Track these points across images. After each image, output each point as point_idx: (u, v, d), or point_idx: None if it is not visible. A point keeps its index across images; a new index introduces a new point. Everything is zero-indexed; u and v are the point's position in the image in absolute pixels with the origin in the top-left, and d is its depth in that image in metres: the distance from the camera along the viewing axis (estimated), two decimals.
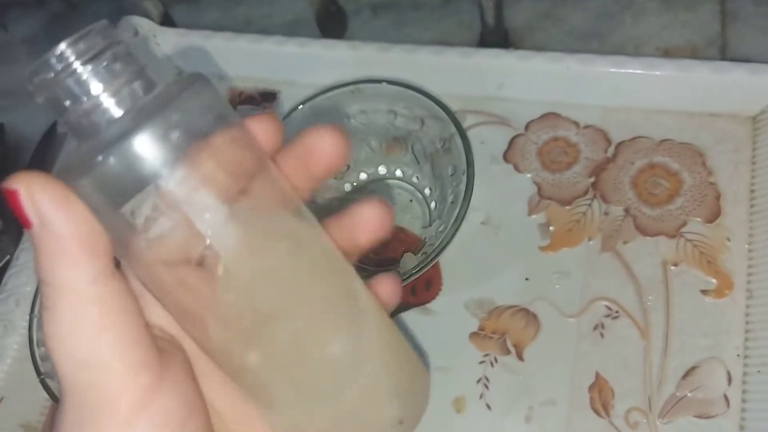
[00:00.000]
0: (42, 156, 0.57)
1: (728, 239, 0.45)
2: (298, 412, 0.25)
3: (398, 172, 0.50)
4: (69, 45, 0.21)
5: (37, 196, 0.21)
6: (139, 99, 0.22)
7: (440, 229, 0.43)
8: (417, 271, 0.41)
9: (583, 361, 0.43)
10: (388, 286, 0.27)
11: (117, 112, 0.22)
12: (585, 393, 0.42)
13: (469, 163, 0.43)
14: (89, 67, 0.21)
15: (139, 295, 0.24)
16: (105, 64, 0.22)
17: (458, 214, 0.42)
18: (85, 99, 0.22)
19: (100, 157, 0.21)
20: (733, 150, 0.47)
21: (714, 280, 0.44)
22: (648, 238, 0.46)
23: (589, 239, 0.46)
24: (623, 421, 0.41)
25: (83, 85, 0.21)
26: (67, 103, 0.22)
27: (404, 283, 0.42)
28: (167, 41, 0.57)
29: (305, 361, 0.24)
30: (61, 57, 0.21)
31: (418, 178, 0.49)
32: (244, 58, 0.55)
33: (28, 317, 0.46)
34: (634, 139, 0.49)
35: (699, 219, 0.45)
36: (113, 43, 0.22)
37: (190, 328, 0.24)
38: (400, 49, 0.52)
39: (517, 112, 0.51)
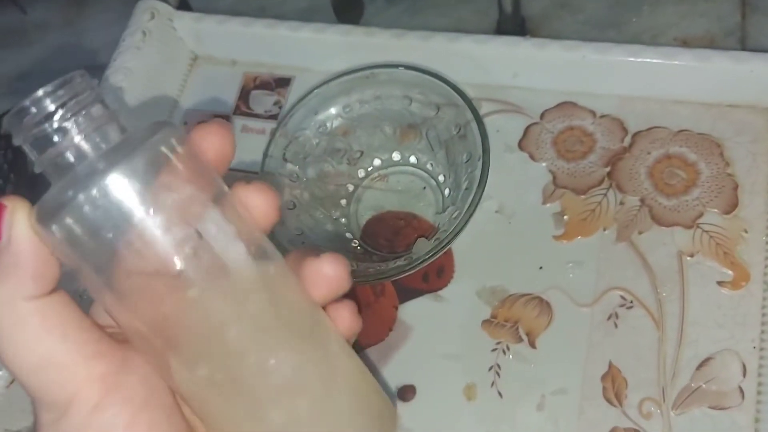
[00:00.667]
0: None
1: (745, 231, 0.44)
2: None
3: (412, 159, 0.49)
4: (46, 93, 0.23)
5: (15, 217, 0.23)
6: (110, 142, 0.24)
7: (454, 215, 0.43)
8: (430, 256, 0.41)
9: (596, 351, 0.43)
10: (345, 316, 0.27)
11: (89, 154, 0.23)
12: (598, 382, 0.42)
13: (485, 150, 0.42)
14: (63, 113, 0.23)
15: (98, 311, 0.26)
16: (79, 110, 0.23)
17: (472, 200, 0.41)
18: (59, 142, 0.23)
19: (71, 194, 0.23)
20: (752, 141, 0.46)
21: (730, 272, 0.43)
22: (664, 228, 0.45)
23: (604, 229, 0.46)
24: (636, 411, 0.41)
25: (58, 130, 0.23)
26: (44, 146, 0.23)
27: (416, 269, 0.42)
28: (183, 25, 0.57)
29: (258, 381, 0.25)
30: (38, 103, 0.23)
31: (432, 165, 0.49)
32: (259, 43, 0.55)
33: None
34: (650, 129, 0.48)
35: (716, 210, 0.45)
36: (87, 90, 0.24)
37: (146, 343, 0.25)
38: (416, 35, 0.51)
39: (532, 101, 0.51)
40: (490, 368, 0.43)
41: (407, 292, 0.46)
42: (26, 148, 0.24)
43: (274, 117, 0.54)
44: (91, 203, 0.23)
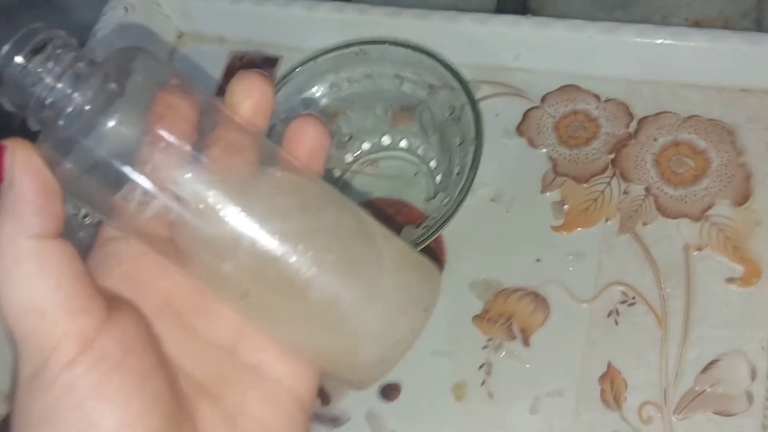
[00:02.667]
0: None
1: (757, 224, 0.41)
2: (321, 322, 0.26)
3: (403, 143, 0.47)
4: (16, 50, 0.23)
5: (16, 157, 0.23)
6: (98, 84, 0.24)
7: (444, 201, 0.40)
8: (417, 245, 0.38)
9: (594, 350, 0.40)
10: (309, 131, 0.27)
11: (79, 98, 0.23)
12: (595, 384, 0.39)
13: (478, 133, 0.40)
14: (39, 62, 0.23)
15: (96, 265, 0.26)
16: (54, 57, 0.23)
17: (463, 185, 0.39)
18: (44, 93, 0.23)
19: (72, 141, 0.23)
20: (765, 128, 0.44)
21: (740, 267, 0.40)
22: (670, 220, 0.42)
23: (607, 220, 0.43)
24: (636, 415, 0.38)
25: (39, 81, 0.23)
26: (31, 99, 0.23)
27: None
28: (169, 2, 0.55)
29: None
30: (8, 60, 0.23)
31: (424, 149, 0.46)
32: (246, 20, 0.53)
33: None
34: (658, 114, 0.45)
35: (726, 201, 0.42)
36: (54, 37, 0.24)
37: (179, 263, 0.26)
38: (411, 13, 0.49)
39: (533, 84, 0.48)
40: (481, 366, 0.41)
41: None
42: (14, 109, 0.24)
43: None
44: (101, 133, 0.23)
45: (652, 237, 0.42)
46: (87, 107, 0.23)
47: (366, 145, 0.47)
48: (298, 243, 0.25)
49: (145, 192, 0.24)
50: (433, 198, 0.42)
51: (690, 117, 0.45)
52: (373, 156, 0.47)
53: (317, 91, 0.45)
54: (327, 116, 0.46)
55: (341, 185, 0.47)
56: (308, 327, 0.27)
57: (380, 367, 0.27)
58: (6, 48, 0.23)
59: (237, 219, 0.25)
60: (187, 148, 0.24)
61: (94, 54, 0.24)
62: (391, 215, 0.46)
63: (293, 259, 0.25)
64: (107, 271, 0.26)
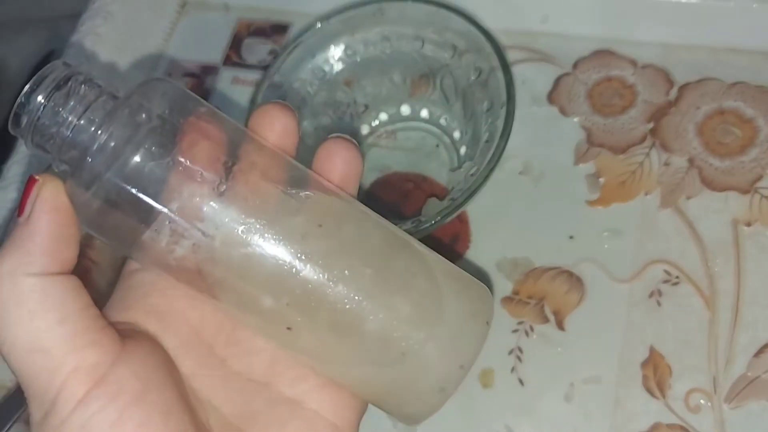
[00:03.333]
0: None
1: None
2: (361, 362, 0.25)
3: (424, 113, 0.43)
4: (36, 90, 0.23)
5: (42, 193, 0.23)
6: (116, 119, 0.23)
7: (471, 171, 0.37)
8: (442, 218, 0.35)
9: (635, 333, 0.37)
10: (341, 155, 0.26)
11: (103, 134, 0.23)
12: (637, 370, 0.36)
13: (510, 97, 0.36)
14: (62, 100, 0.23)
15: (121, 297, 0.25)
16: (76, 94, 0.23)
17: (494, 153, 0.35)
18: (67, 132, 0.23)
19: (99, 178, 0.23)
20: None
21: None
22: (716, 193, 0.39)
23: (646, 193, 0.40)
24: (682, 403, 0.35)
25: (63, 120, 0.23)
26: (55, 139, 0.23)
27: (426, 233, 0.36)
28: None
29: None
30: (31, 101, 0.23)
31: (446, 119, 0.43)
32: None
33: None
34: (700, 81, 0.42)
35: None
36: (74, 74, 0.23)
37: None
38: None
39: (564, 49, 0.44)
40: (511, 352, 0.38)
41: None
42: (37, 150, 0.24)
43: (267, 67, 0.48)
44: (127, 168, 0.23)
45: (696, 212, 0.39)
46: (112, 143, 0.23)
47: (383, 116, 0.44)
48: (344, 270, 0.24)
49: (175, 228, 0.23)
50: (459, 168, 0.39)
51: (735, 83, 0.42)
52: (390, 127, 0.44)
53: (330, 55, 0.42)
54: (341, 85, 0.43)
55: None
56: (362, 360, 0.25)
57: (440, 396, 0.25)
58: (27, 88, 0.23)
59: (276, 252, 0.23)
60: (216, 180, 0.23)
61: (116, 88, 0.24)
62: (410, 190, 0.42)
63: (342, 289, 0.24)
64: (132, 303, 0.25)
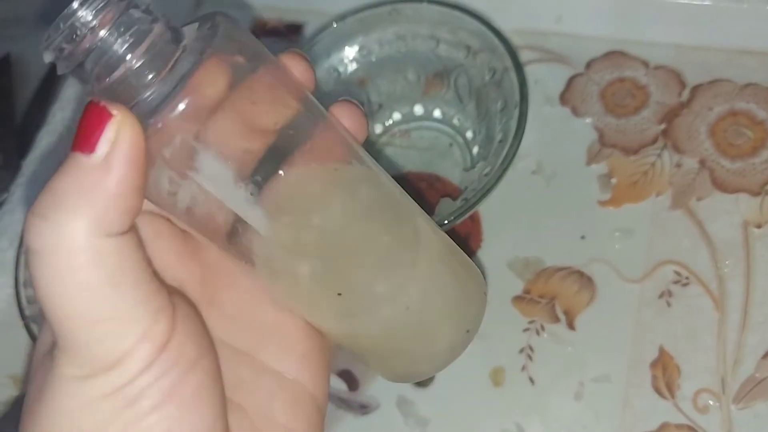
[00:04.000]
0: (47, 88, 0.52)
1: None
2: (360, 325, 0.26)
3: (437, 113, 0.44)
4: (88, 6, 0.20)
5: (122, 136, 0.19)
6: (173, 54, 0.21)
7: (485, 171, 0.37)
8: (455, 218, 0.35)
9: (645, 333, 0.37)
10: (348, 118, 0.25)
11: (152, 74, 0.21)
12: (646, 370, 0.36)
13: (523, 97, 0.37)
14: (117, 30, 0.20)
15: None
16: (131, 23, 0.20)
17: (507, 153, 0.36)
18: (119, 65, 0.20)
19: (151, 120, 0.20)
20: None
21: None
22: (727, 194, 0.39)
23: (657, 194, 0.40)
24: (690, 403, 0.35)
25: (114, 51, 0.20)
26: (98, 71, 0.20)
27: None
28: None
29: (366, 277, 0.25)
30: (84, 21, 0.20)
31: (459, 119, 0.43)
32: None
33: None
34: (712, 82, 0.42)
35: None
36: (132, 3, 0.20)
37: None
38: None
39: (577, 49, 0.45)
40: (521, 350, 0.38)
41: None
42: (75, 77, 0.21)
43: None
44: (170, 128, 0.20)
45: (707, 213, 0.39)
46: (168, 90, 0.20)
47: (397, 115, 0.44)
48: (367, 236, 0.24)
49: (217, 190, 0.22)
50: (473, 168, 0.39)
51: (748, 85, 0.42)
52: (404, 127, 0.44)
53: (345, 55, 0.42)
54: (355, 84, 0.43)
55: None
56: (387, 318, 0.26)
57: (450, 355, 0.27)
58: (80, 9, 0.20)
59: (322, 224, 0.23)
60: (269, 149, 0.22)
61: (172, 22, 0.21)
62: (424, 189, 0.43)
63: (366, 251, 0.24)
64: (156, 249, 0.23)
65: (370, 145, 0.44)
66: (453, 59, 0.41)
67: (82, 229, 0.19)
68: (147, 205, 0.22)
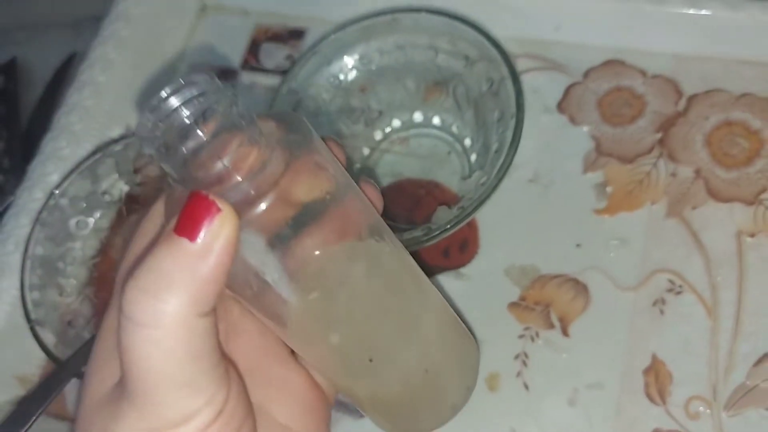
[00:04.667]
0: (53, 93, 0.53)
1: None
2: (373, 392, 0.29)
3: (436, 120, 0.44)
4: (192, 106, 0.21)
5: (224, 230, 0.21)
6: (262, 156, 0.22)
7: (481, 180, 0.37)
8: (451, 226, 0.36)
9: (638, 341, 0.38)
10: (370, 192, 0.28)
11: (245, 175, 0.22)
12: (639, 376, 0.37)
13: (519, 107, 0.37)
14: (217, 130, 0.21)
15: None
16: (229, 124, 0.22)
17: (503, 163, 0.36)
18: (216, 163, 0.22)
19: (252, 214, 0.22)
20: None
21: None
22: (721, 204, 0.40)
23: (653, 203, 0.40)
24: (682, 410, 0.36)
25: (212, 149, 0.21)
26: (193, 163, 0.22)
27: (435, 241, 0.37)
28: None
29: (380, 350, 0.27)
30: (192, 120, 0.21)
31: (458, 127, 0.43)
32: None
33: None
34: (709, 91, 0.43)
35: None
36: (225, 97, 0.22)
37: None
38: None
39: (575, 58, 0.45)
40: (517, 356, 0.39)
41: (426, 269, 0.41)
42: (166, 167, 0.22)
43: (285, 73, 0.49)
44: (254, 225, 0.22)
45: (701, 222, 0.40)
46: (246, 187, 0.22)
47: (396, 122, 0.45)
48: (385, 309, 0.27)
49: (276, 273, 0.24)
50: (470, 177, 0.40)
51: (743, 95, 0.42)
52: (403, 134, 0.45)
53: (345, 63, 0.43)
54: (356, 92, 0.44)
55: (370, 164, 0.44)
56: (401, 380, 0.29)
57: (451, 413, 0.31)
58: (173, 103, 0.21)
59: (351, 297, 0.25)
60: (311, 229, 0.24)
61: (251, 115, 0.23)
62: (422, 196, 0.43)
63: (386, 323, 0.27)
64: None
65: (370, 152, 0.45)
66: (452, 69, 0.42)
67: (181, 308, 0.21)
68: None
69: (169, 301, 0.21)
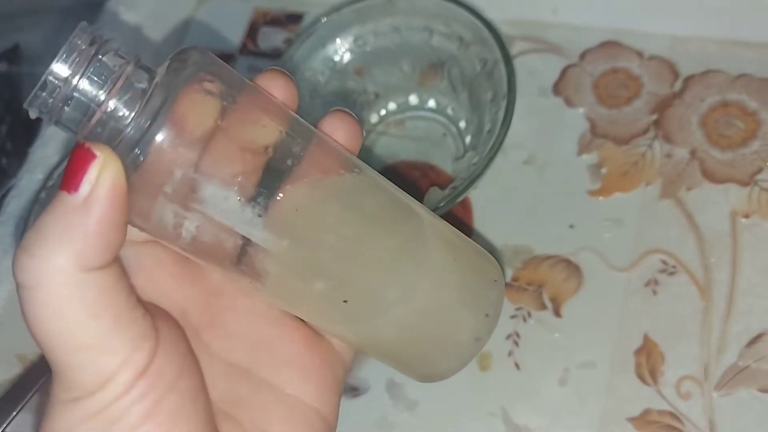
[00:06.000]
0: None
1: None
2: (371, 327, 0.26)
3: (431, 103, 0.44)
4: (62, 62, 0.21)
5: (104, 176, 0.20)
6: (146, 95, 0.22)
7: (473, 161, 0.38)
8: (444, 205, 0.36)
9: (630, 321, 0.38)
10: (343, 129, 0.26)
11: (129, 113, 0.22)
12: (630, 356, 0.37)
13: (511, 87, 0.37)
14: (90, 78, 0.21)
15: (132, 272, 0.24)
16: (103, 69, 0.22)
17: (494, 143, 0.36)
18: (96, 111, 0.22)
19: (135, 155, 0.21)
20: None
21: None
22: (716, 185, 0.39)
23: (647, 184, 0.40)
24: (673, 390, 0.36)
25: (90, 98, 0.21)
26: (79, 118, 0.22)
27: None
28: None
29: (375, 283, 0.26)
30: (60, 76, 0.21)
31: (453, 109, 0.44)
32: None
33: None
34: (705, 72, 0.42)
35: None
36: (103, 44, 0.22)
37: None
38: None
39: (572, 40, 0.45)
40: (508, 336, 0.39)
41: None
42: (60, 127, 0.22)
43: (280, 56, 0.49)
44: (151, 161, 0.22)
45: (696, 203, 0.39)
46: (147, 124, 0.22)
47: (392, 105, 0.45)
48: (372, 244, 0.25)
49: (218, 217, 0.23)
50: (462, 158, 0.40)
51: (740, 76, 0.42)
52: (399, 116, 0.45)
53: (341, 45, 0.43)
54: (351, 74, 0.44)
55: (366, 147, 0.45)
56: (406, 319, 0.26)
57: (475, 345, 0.28)
58: (54, 65, 0.21)
59: (328, 236, 0.24)
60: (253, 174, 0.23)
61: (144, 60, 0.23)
62: (417, 178, 0.44)
63: (389, 263, 0.25)
64: (148, 276, 0.24)
65: (366, 135, 0.45)
66: (446, 50, 0.42)
67: (62, 265, 0.20)
68: (146, 234, 0.24)
69: (48, 258, 0.20)
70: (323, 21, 0.41)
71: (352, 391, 0.40)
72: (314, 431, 0.25)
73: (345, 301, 0.25)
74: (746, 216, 0.39)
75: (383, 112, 0.45)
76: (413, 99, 0.45)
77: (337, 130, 0.26)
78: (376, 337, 0.27)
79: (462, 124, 0.43)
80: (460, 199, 0.36)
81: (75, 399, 0.21)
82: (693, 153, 0.41)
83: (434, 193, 0.38)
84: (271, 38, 0.50)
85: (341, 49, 0.43)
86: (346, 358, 0.28)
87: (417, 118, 0.45)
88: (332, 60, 0.43)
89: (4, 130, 0.51)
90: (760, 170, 0.39)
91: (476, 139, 0.40)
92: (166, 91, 0.22)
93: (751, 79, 0.42)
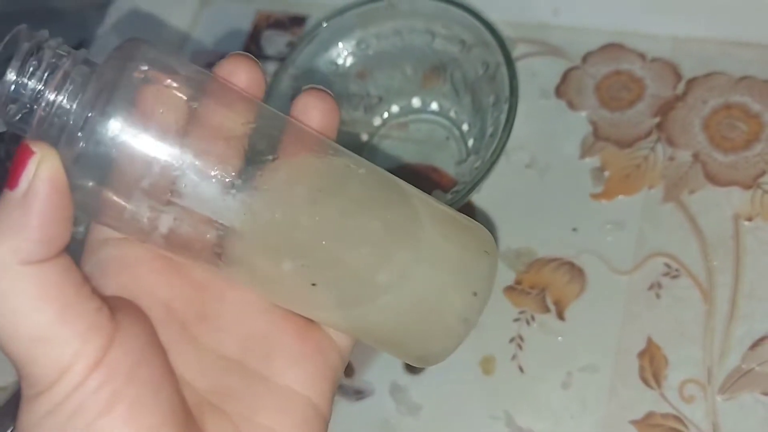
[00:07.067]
0: None
1: None
2: (359, 309, 0.26)
3: (434, 105, 0.44)
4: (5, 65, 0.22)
5: (42, 169, 0.21)
6: (85, 87, 0.22)
7: (476, 165, 0.38)
8: None
9: (633, 324, 0.38)
10: (318, 107, 0.25)
11: (70, 105, 0.22)
12: (634, 360, 0.37)
13: (513, 90, 0.37)
14: (28, 76, 0.22)
15: (91, 272, 0.24)
16: (41, 66, 0.22)
17: (496, 147, 0.36)
18: (35, 108, 0.22)
19: (79, 148, 0.22)
20: None
21: None
22: (719, 188, 0.39)
23: (650, 187, 0.40)
24: (677, 393, 0.36)
25: (29, 94, 0.22)
26: (23, 116, 0.22)
27: None
28: None
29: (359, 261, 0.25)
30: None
31: (456, 112, 0.44)
32: None
33: None
34: (708, 74, 0.42)
35: None
36: (42, 42, 0.22)
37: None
38: None
39: (574, 42, 0.45)
40: (512, 340, 0.39)
41: None
42: (11, 128, 0.22)
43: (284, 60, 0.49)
44: (96, 150, 0.22)
45: (698, 206, 0.39)
46: (90, 114, 0.22)
47: (395, 108, 0.45)
48: (354, 226, 0.25)
49: (179, 204, 0.23)
50: (465, 161, 0.40)
51: (743, 78, 0.42)
52: (402, 119, 0.45)
53: (343, 49, 0.43)
54: (354, 77, 0.44)
55: (369, 150, 0.45)
56: (388, 303, 0.26)
57: (463, 327, 0.27)
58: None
59: (290, 217, 0.24)
60: (221, 156, 0.23)
61: (86, 56, 0.23)
62: (420, 182, 0.44)
63: (360, 243, 0.25)
64: (105, 280, 0.24)
65: (369, 138, 0.45)
66: (448, 53, 0.42)
67: (2, 259, 0.20)
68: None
69: None
70: (325, 25, 0.41)
71: (356, 394, 0.40)
72: (304, 420, 0.25)
73: (315, 285, 0.25)
74: (749, 219, 0.38)
75: (386, 115, 0.45)
76: (416, 102, 0.45)
77: (313, 108, 0.25)
78: (361, 321, 0.26)
79: (465, 127, 0.43)
80: (463, 202, 0.36)
81: (38, 394, 0.21)
82: (696, 156, 0.41)
83: (437, 197, 0.38)
84: (274, 41, 0.51)
85: (344, 53, 0.43)
86: (342, 346, 0.27)
87: (420, 121, 0.45)
88: (335, 63, 0.43)
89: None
90: (763, 173, 0.39)
91: (479, 143, 0.40)
92: (105, 82, 0.22)
93: (755, 81, 0.41)
